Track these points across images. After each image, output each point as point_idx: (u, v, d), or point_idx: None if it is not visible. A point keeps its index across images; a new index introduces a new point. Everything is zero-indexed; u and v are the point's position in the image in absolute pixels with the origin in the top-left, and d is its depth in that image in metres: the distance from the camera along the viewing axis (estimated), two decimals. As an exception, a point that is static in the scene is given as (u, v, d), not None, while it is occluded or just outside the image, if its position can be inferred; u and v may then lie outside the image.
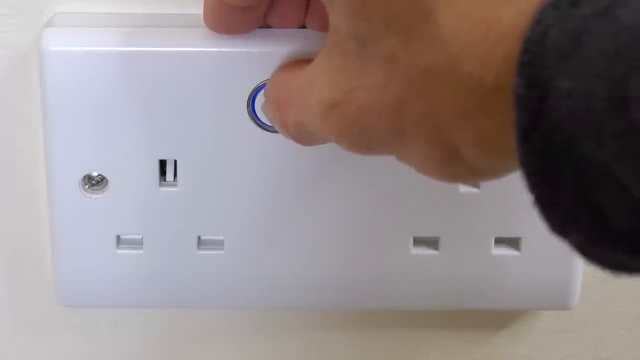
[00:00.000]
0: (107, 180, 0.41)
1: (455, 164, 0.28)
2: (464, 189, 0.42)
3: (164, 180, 0.42)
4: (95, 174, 0.41)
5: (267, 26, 0.38)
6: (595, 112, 0.23)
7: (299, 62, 0.37)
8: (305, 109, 0.32)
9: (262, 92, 0.39)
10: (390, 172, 0.41)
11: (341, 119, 0.30)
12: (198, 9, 0.37)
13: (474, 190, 0.42)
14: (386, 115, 0.29)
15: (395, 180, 0.41)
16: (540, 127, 0.24)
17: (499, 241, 0.43)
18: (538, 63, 0.24)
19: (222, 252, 0.43)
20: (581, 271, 0.44)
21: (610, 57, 0.23)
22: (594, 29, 0.23)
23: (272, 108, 0.36)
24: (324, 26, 0.38)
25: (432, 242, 0.43)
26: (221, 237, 0.42)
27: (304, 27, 0.38)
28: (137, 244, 0.42)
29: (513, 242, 0.43)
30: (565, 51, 0.23)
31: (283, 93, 0.35)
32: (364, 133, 0.30)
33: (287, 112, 0.34)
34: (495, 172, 0.29)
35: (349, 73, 0.30)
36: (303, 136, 0.35)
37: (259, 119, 0.40)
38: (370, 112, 0.29)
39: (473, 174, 0.29)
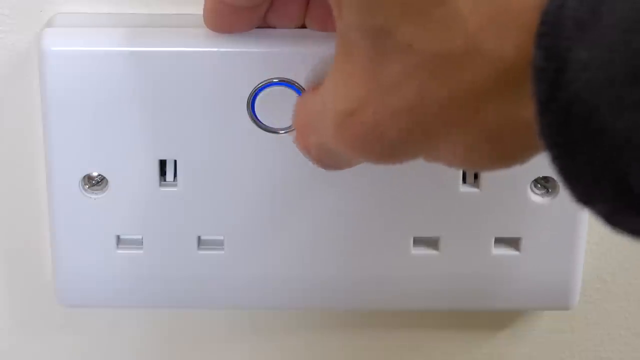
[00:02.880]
0: (107, 180, 0.41)
1: (493, 144, 0.28)
2: (464, 188, 0.42)
3: (164, 180, 0.42)
4: (95, 174, 0.41)
5: (267, 25, 0.38)
6: (614, 82, 0.23)
7: (316, 86, 0.36)
8: (323, 130, 0.32)
9: (264, 92, 0.39)
10: (390, 172, 0.41)
11: (357, 128, 0.30)
12: (198, 9, 0.37)
13: (474, 190, 0.42)
14: (405, 111, 0.28)
15: (395, 181, 0.41)
16: (559, 99, 0.24)
17: (499, 241, 0.43)
18: (556, 34, 0.24)
19: (222, 252, 0.43)
20: (581, 271, 0.44)
21: (628, 27, 0.22)
22: (612, 0, 0.23)
23: (296, 136, 0.35)
24: (323, 26, 0.38)
25: (432, 242, 0.43)
26: (221, 237, 0.42)
27: (304, 27, 0.38)
28: (137, 244, 0.42)
29: (513, 242, 0.43)
30: (583, 22, 0.23)
31: (303, 118, 0.35)
32: (383, 137, 0.29)
33: (309, 137, 0.34)
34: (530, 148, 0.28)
35: (360, 79, 0.29)
36: (326, 159, 0.34)
37: (259, 119, 0.40)
38: (387, 112, 0.29)
39: (515, 152, 0.28)
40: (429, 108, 0.28)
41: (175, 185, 0.41)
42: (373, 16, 0.28)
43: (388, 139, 0.29)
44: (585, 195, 0.25)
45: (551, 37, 0.24)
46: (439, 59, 0.27)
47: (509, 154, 0.29)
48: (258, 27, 0.38)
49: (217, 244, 0.43)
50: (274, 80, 0.39)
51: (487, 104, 0.27)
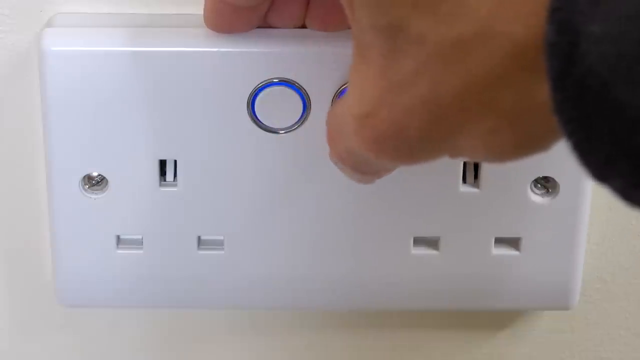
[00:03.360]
0: (107, 180, 0.41)
1: (513, 131, 0.28)
2: (464, 188, 0.42)
3: (164, 180, 0.42)
4: (95, 174, 0.41)
5: (267, 25, 0.38)
6: (625, 58, 0.23)
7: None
8: (347, 134, 0.32)
9: (264, 92, 0.39)
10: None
11: (374, 129, 0.30)
12: (198, 9, 0.37)
13: (474, 190, 0.42)
14: (419, 107, 0.28)
15: (395, 181, 0.41)
16: (573, 74, 0.24)
17: (499, 241, 0.43)
18: (569, 8, 0.24)
19: (222, 252, 0.43)
20: (581, 271, 0.44)
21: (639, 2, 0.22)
22: None
23: (329, 150, 0.35)
24: (324, 26, 0.38)
25: (432, 242, 0.43)
26: (221, 237, 0.42)
27: (304, 27, 0.38)
28: (137, 244, 0.42)
29: (513, 242, 0.43)
30: None
31: (332, 126, 0.35)
32: (401, 136, 0.29)
33: (338, 145, 0.34)
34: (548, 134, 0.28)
35: (374, 79, 0.29)
36: (357, 164, 0.34)
37: (258, 119, 0.40)
38: (401, 110, 0.29)
39: (539, 137, 0.28)
40: (443, 100, 0.28)
41: (175, 185, 0.41)
42: (384, 13, 0.28)
43: (405, 137, 0.29)
44: (601, 170, 0.25)
45: (564, 11, 0.24)
46: (452, 48, 0.27)
47: (530, 140, 0.28)
48: (258, 27, 0.38)
49: (217, 244, 0.43)
50: (274, 80, 0.39)
51: (503, 90, 0.27)
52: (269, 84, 0.39)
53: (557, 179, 0.42)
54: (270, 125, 0.40)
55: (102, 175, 0.41)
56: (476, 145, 0.29)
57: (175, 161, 0.41)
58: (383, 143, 0.30)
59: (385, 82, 0.29)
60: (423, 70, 0.28)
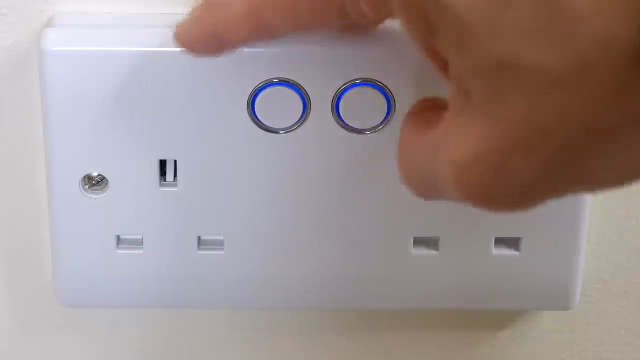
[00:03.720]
0: (107, 180, 0.41)
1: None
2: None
3: (164, 180, 0.42)
4: (95, 174, 0.41)
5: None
6: None
7: (422, 125, 0.33)
8: (439, 181, 0.29)
9: (264, 92, 0.39)
10: (390, 172, 0.41)
11: (480, 176, 0.27)
12: (198, 9, 0.37)
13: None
14: (539, 142, 0.26)
15: (395, 181, 0.41)
16: None
17: (499, 241, 0.43)
18: None
19: (222, 252, 0.43)
20: (581, 271, 0.44)
21: None
22: None
23: (402, 178, 0.33)
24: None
25: (432, 242, 0.43)
26: (221, 237, 0.42)
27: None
28: (137, 244, 0.42)
29: (513, 242, 0.43)
30: None
31: (409, 165, 0.33)
32: (515, 179, 0.27)
33: (420, 187, 0.32)
34: None
35: (478, 121, 0.27)
36: (436, 199, 0.32)
37: (259, 119, 0.40)
38: (517, 151, 0.26)
39: None
40: (569, 128, 0.26)
41: (175, 185, 0.41)
42: (493, 53, 0.26)
43: (520, 181, 0.27)
44: None
45: None
46: (572, 70, 0.25)
47: None
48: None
49: (217, 244, 0.43)
50: (274, 80, 0.39)
51: (631, 97, 0.25)
52: (269, 84, 0.39)
53: None
54: (270, 125, 0.40)
55: (102, 175, 0.41)
56: (606, 171, 0.27)
57: (175, 161, 0.41)
58: (493, 191, 0.28)
59: (494, 122, 0.27)
60: (539, 103, 0.26)
